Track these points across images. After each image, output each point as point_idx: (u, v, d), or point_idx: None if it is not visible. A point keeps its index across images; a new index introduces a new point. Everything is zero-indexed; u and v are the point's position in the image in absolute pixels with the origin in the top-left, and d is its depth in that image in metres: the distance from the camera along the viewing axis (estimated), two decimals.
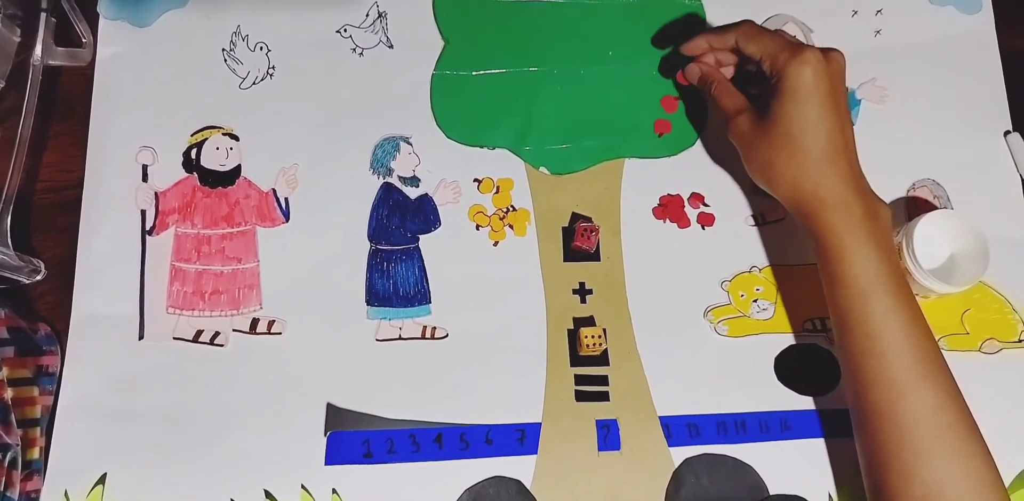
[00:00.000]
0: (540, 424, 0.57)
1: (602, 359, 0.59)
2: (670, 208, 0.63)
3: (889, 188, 0.64)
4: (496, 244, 0.61)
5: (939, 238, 0.60)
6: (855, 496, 0.56)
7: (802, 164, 0.54)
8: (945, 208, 0.64)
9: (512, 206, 0.62)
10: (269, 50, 0.65)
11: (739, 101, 0.58)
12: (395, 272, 0.60)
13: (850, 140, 0.55)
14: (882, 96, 0.67)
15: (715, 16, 0.67)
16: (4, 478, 0.49)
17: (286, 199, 0.61)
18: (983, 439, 0.51)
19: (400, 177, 0.63)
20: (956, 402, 0.51)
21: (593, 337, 0.58)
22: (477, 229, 0.62)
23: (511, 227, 0.62)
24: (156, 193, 0.61)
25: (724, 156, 0.64)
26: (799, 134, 0.54)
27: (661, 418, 0.58)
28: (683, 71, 0.62)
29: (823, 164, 0.54)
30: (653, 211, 0.63)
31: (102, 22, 0.65)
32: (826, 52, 0.55)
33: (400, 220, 0.62)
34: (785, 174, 0.55)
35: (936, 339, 0.53)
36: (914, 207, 0.64)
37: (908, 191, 0.64)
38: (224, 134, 0.63)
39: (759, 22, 0.67)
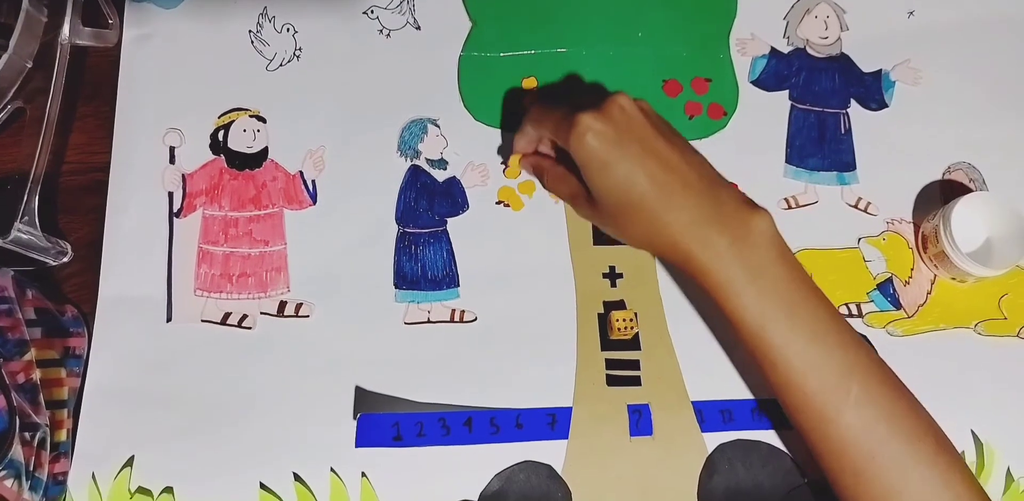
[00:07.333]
0: (571, 408, 0.57)
1: (633, 343, 0.58)
2: None
3: (924, 171, 0.63)
4: (520, 209, 0.61)
5: (976, 221, 0.59)
6: None
7: (645, 223, 0.50)
8: (981, 191, 0.63)
9: None
10: (296, 31, 0.64)
11: (571, 186, 0.55)
12: (423, 255, 0.60)
13: (682, 168, 0.50)
14: (916, 78, 0.66)
15: None
16: (33, 458, 0.49)
17: (313, 181, 0.61)
18: (934, 440, 0.48)
19: (428, 159, 0.62)
20: (888, 411, 0.48)
21: (624, 321, 0.57)
22: (504, 206, 0.61)
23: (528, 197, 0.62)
24: (183, 175, 0.61)
25: (755, 139, 0.63)
26: (623, 198, 0.50)
27: (694, 403, 0.57)
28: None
29: (661, 210, 0.50)
30: None
31: (128, 4, 0.64)
32: (602, 106, 0.50)
33: (428, 203, 0.61)
34: (640, 237, 0.52)
35: (865, 346, 0.50)
36: (949, 190, 0.63)
37: (943, 174, 0.63)
38: (251, 116, 0.62)
39: (790, 4, 0.67)
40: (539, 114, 0.55)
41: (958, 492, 0.47)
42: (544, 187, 0.59)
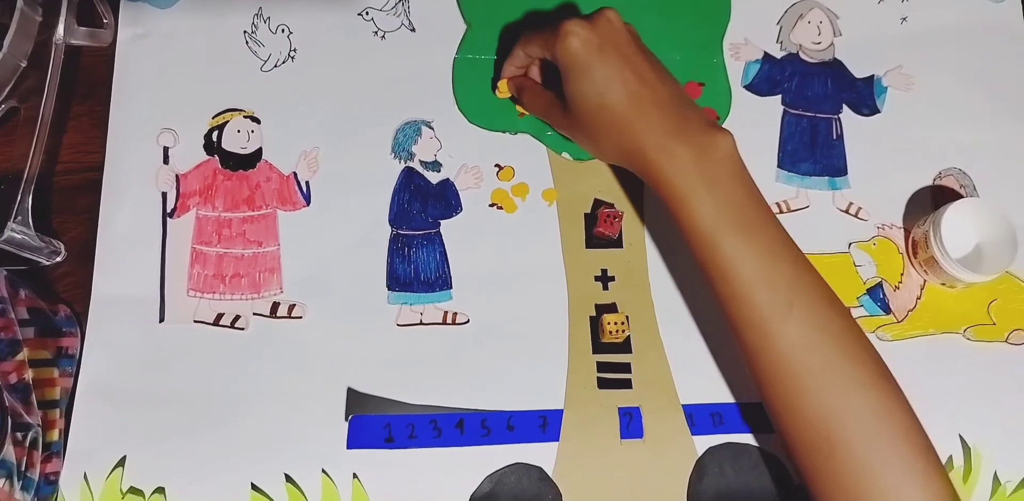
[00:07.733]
0: (562, 411, 0.57)
1: (625, 346, 0.59)
2: None
3: (915, 177, 0.64)
4: (513, 212, 0.61)
5: (966, 227, 0.59)
6: None
7: (615, 127, 0.52)
8: (971, 197, 0.63)
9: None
10: (291, 33, 0.64)
11: (547, 99, 0.58)
12: (416, 257, 0.60)
13: (655, 84, 0.53)
14: (908, 84, 0.66)
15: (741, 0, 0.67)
16: (25, 458, 0.49)
17: (307, 183, 0.61)
18: (875, 366, 0.48)
19: (421, 162, 0.62)
20: (830, 332, 0.48)
21: (616, 324, 0.57)
22: (498, 209, 0.61)
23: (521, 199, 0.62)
24: (177, 175, 0.61)
25: (747, 144, 0.63)
26: (597, 100, 0.52)
27: (684, 406, 0.57)
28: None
29: (632, 118, 0.52)
30: None
31: (123, 3, 0.64)
32: (591, 16, 0.53)
33: (421, 205, 0.61)
34: (608, 144, 0.54)
35: (812, 268, 0.50)
36: (940, 196, 0.63)
37: (934, 180, 0.64)
38: (245, 117, 0.62)
39: (784, 9, 0.67)
40: (528, 36, 0.57)
41: (896, 417, 0.47)
42: (524, 106, 0.61)
